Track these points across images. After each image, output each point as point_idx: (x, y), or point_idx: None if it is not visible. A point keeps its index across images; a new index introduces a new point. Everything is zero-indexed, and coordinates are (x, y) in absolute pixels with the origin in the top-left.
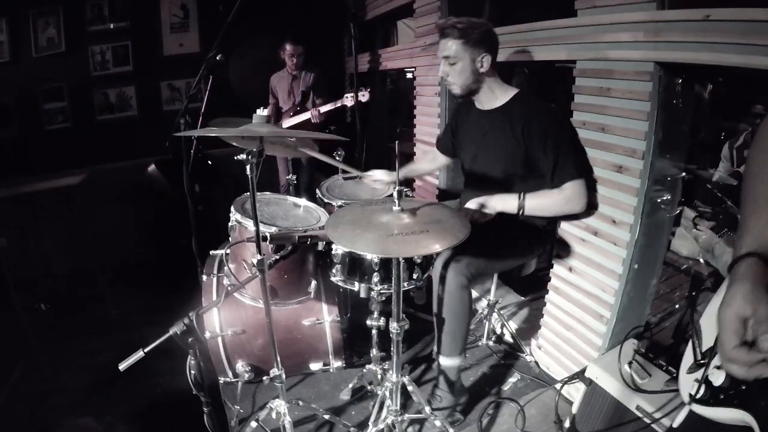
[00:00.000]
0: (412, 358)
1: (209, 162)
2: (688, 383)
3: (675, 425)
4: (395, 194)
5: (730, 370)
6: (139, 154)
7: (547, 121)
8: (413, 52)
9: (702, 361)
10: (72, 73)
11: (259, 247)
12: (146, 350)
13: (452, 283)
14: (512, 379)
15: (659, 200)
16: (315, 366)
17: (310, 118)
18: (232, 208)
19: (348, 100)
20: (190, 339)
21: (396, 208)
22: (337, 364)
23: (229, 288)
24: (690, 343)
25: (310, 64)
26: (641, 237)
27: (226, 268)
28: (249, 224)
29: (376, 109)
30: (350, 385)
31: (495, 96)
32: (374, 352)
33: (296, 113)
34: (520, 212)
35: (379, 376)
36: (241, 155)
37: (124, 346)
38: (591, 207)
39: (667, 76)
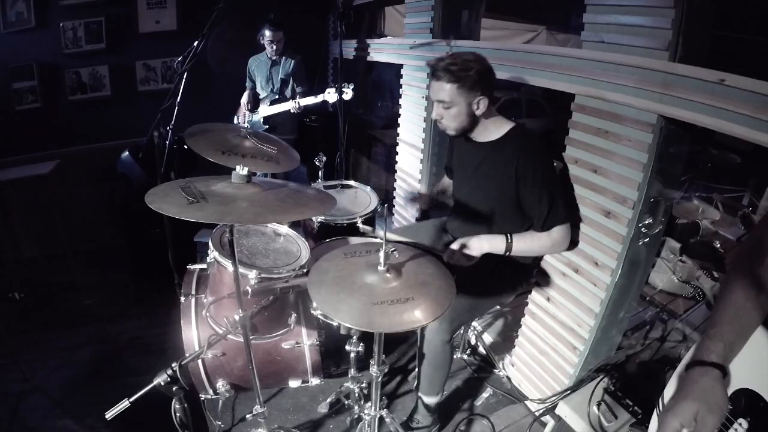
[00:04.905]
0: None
1: (185, 146)
2: None
3: None
4: (382, 255)
5: None
6: (113, 136)
7: (542, 164)
8: (401, 48)
9: None
10: (42, 51)
11: (240, 301)
12: (131, 399)
13: (434, 340)
14: (485, 394)
15: (643, 240)
16: (294, 383)
17: (289, 109)
18: (210, 243)
19: (329, 96)
20: (174, 388)
21: (381, 268)
22: (315, 381)
23: (211, 339)
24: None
25: (290, 50)
26: (621, 278)
27: (205, 312)
28: (228, 265)
29: (357, 97)
30: (328, 400)
31: (489, 131)
32: (352, 372)
33: (274, 102)
34: (506, 253)
35: (356, 394)
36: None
37: (100, 340)
38: (573, 243)
39: (668, 129)
